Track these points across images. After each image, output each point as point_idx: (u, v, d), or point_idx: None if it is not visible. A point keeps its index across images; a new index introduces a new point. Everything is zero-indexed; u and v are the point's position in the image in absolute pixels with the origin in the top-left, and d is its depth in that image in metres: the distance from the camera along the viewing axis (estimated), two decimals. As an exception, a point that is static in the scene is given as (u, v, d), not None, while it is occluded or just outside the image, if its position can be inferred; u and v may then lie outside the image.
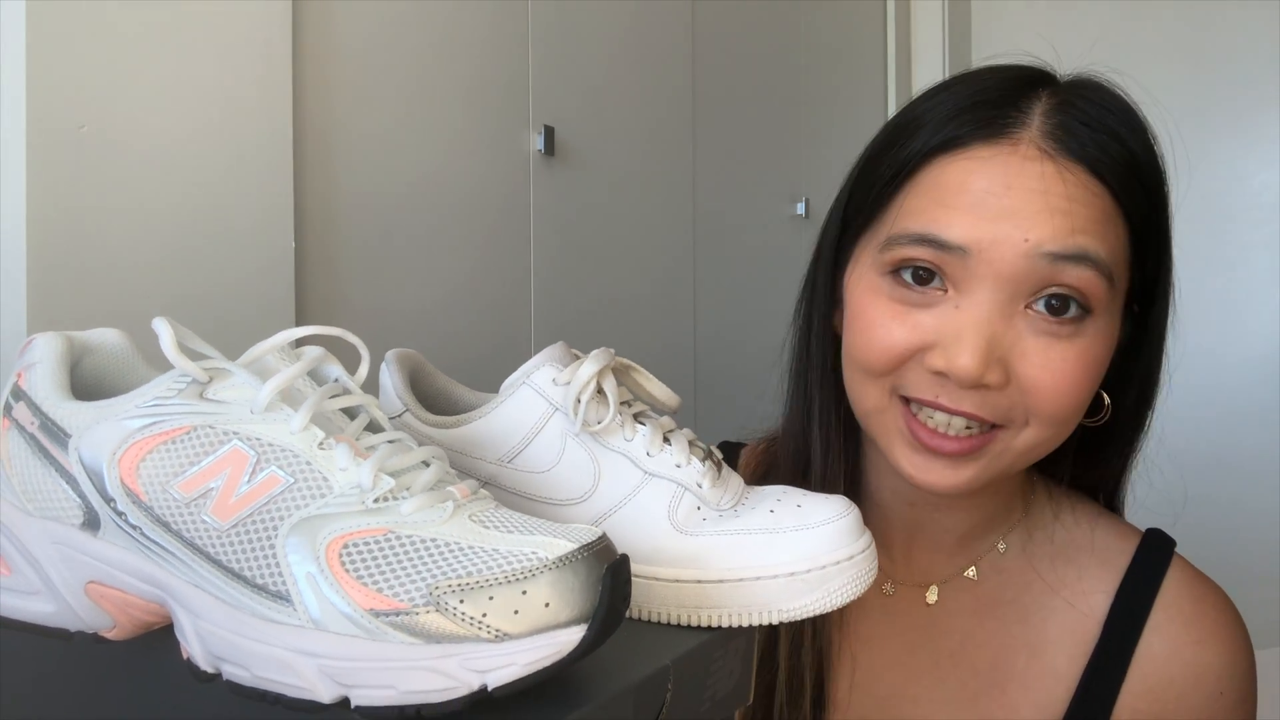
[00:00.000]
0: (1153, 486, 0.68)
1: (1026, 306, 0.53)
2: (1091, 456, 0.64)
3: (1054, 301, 0.52)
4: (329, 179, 0.79)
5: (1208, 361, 1.69)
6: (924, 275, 0.54)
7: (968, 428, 0.53)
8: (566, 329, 1.05)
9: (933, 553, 0.64)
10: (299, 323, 0.74)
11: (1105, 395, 0.60)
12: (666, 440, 0.45)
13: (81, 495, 0.36)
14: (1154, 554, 0.63)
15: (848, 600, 0.42)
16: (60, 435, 0.37)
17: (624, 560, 0.37)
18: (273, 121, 0.72)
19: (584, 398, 0.44)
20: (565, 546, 0.35)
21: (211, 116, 0.68)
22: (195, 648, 0.35)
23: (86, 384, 0.40)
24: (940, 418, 0.53)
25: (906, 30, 1.85)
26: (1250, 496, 1.67)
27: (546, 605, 0.34)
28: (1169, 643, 0.61)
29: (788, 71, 1.52)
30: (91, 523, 0.36)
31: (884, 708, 0.63)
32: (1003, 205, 0.52)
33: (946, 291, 0.53)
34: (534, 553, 0.35)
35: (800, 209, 1.52)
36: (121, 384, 0.42)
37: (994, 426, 0.53)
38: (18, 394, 0.38)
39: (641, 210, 1.18)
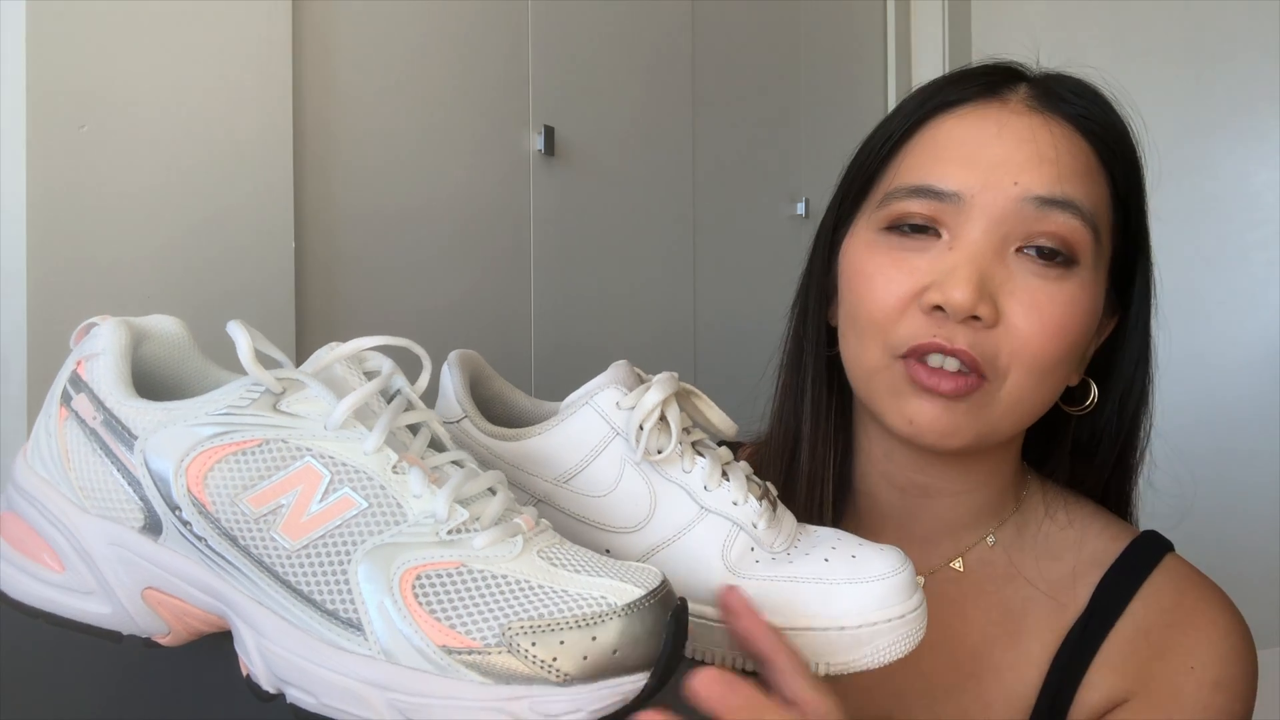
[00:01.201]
0: (1152, 485, 0.70)
1: (1017, 250, 0.57)
2: (1085, 454, 0.66)
3: (1044, 250, 0.57)
4: (329, 179, 0.80)
5: (1207, 361, 1.72)
6: (920, 226, 0.59)
7: (961, 370, 0.56)
8: (566, 329, 1.07)
9: (922, 544, 0.66)
10: (299, 323, 0.76)
11: (1093, 384, 0.64)
12: (725, 475, 0.47)
13: (144, 499, 0.37)
14: (1145, 552, 0.65)
15: (894, 659, 0.44)
16: (126, 435, 0.37)
17: (684, 607, 0.39)
18: (273, 121, 0.73)
19: (647, 425, 0.45)
20: (633, 592, 0.37)
21: (211, 116, 0.69)
22: (258, 666, 0.36)
23: (142, 371, 0.41)
24: (936, 358, 0.56)
25: (906, 30, 1.86)
26: (1250, 496, 1.70)
27: (614, 652, 0.36)
28: (1139, 624, 0.63)
29: (788, 71, 1.53)
30: (153, 527, 0.37)
31: (866, 704, 0.65)
32: (994, 154, 0.57)
33: (941, 237, 0.58)
34: (603, 597, 0.36)
35: (800, 209, 1.55)
36: (176, 373, 0.42)
37: (982, 378, 0.56)
38: (78, 384, 0.38)
39: (641, 210, 1.20)
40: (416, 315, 0.89)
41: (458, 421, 0.48)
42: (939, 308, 0.56)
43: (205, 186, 0.69)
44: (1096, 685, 0.62)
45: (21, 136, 0.58)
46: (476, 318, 0.95)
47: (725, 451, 0.48)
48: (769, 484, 0.48)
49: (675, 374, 0.48)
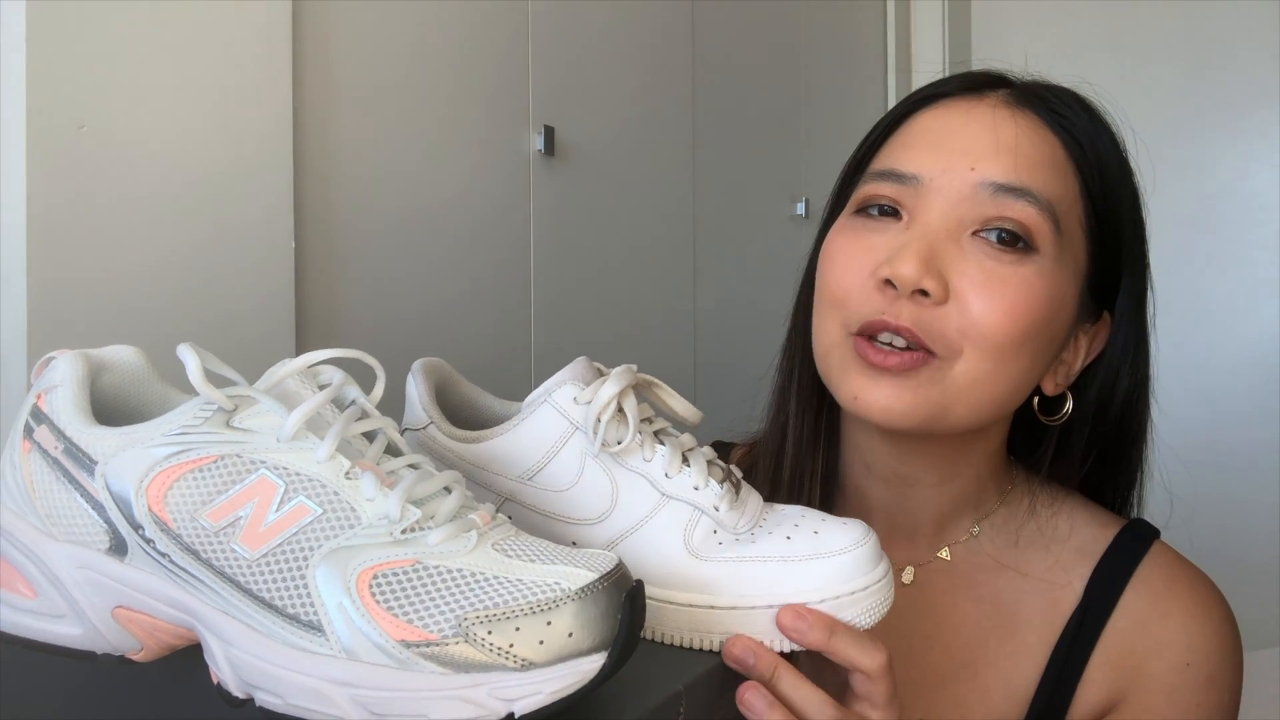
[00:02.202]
0: (1152, 485, 0.72)
1: (974, 234, 0.59)
2: (1073, 455, 0.67)
3: (1004, 235, 0.59)
4: (329, 179, 0.82)
5: (1207, 361, 1.76)
6: (888, 210, 0.62)
7: (909, 347, 0.58)
8: (566, 329, 1.09)
9: (910, 536, 0.68)
10: (299, 323, 0.78)
11: (1069, 396, 0.66)
12: (685, 461, 0.49)
13: (108, 521, 0.39)
14: (1134, 540, 0.67)
15: (863, 630, 0.46)
16: (86, 461, 0.39)
17: (640, 587, 0.40)
18: (273, 121, 0.75)
19: (604, 418, 0.47)
20: (586, 576, 0.39)
21: (212, 117, 0.71)
22: (226, 673, 0.38)
23: (103, 402, 0.43)
24: (885, 336, 0.59)
25: (906, 30, 1.92)
26: (1250, 496, 1.74)
27: (570, 635, 0.37)
28: (1134, 616, 0.65)
29: (788, 71, 1.56)
30: (118, 548, 0.39)
31: None
32: (956, 142, 0.61)
33: (903, 219, 0.61)
34: (557, 583, 0.38)
35: (800, 209, 1.57)
36: (138, 401, 0.45)
37: (930, 354, 0.58)
38: (39, 416, 0.41)
39: (641, 210, 1.22)
40: (416, 316, 0.91)
41: (424, 428, 0.50)
42: (889, 282, 0.58)
43: (205, 187, 0.71)
44: (1096, 682, 0.64)
45: (21, 136, 0.60)
46: (477, 318, 0.98)
47: (688, 438, 0.50)
48: (732, 467, 0.50)
49: (633, 366, 0.50)
